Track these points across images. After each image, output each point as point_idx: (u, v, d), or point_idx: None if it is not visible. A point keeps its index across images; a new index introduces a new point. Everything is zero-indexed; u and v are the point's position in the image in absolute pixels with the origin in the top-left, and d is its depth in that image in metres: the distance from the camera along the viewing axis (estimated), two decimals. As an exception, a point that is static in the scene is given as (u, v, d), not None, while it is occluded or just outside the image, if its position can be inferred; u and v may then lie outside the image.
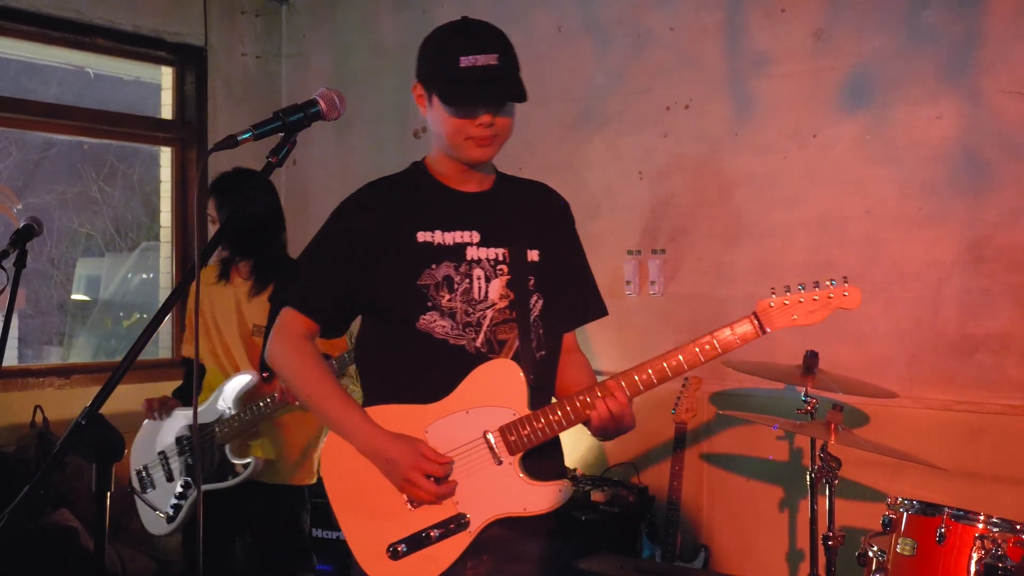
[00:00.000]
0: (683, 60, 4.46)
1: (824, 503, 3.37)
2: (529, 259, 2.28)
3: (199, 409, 3.57)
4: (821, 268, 4.01)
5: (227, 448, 3.48)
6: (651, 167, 4.56)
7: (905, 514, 2.93)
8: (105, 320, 6.44)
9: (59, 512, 4.37)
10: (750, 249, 4.25)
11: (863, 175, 3.97)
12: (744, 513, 4.26)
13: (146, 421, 3.68)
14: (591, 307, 2.46)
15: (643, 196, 4.58)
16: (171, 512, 3.55)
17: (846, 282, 2.18)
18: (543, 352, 2.27)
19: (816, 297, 2.17)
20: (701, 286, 4.39)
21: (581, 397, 2.17)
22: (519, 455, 2.17)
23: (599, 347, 4.42)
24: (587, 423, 2.20)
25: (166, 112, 5.80)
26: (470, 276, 2.22)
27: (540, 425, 2.16)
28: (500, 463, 2.17)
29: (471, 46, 2.14)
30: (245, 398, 3.49)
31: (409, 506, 2.17)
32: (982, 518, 2.77)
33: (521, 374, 2.18)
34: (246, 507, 3.56)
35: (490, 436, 2.17)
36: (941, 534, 2.78)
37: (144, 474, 3.65)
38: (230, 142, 1.82)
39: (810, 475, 3.42)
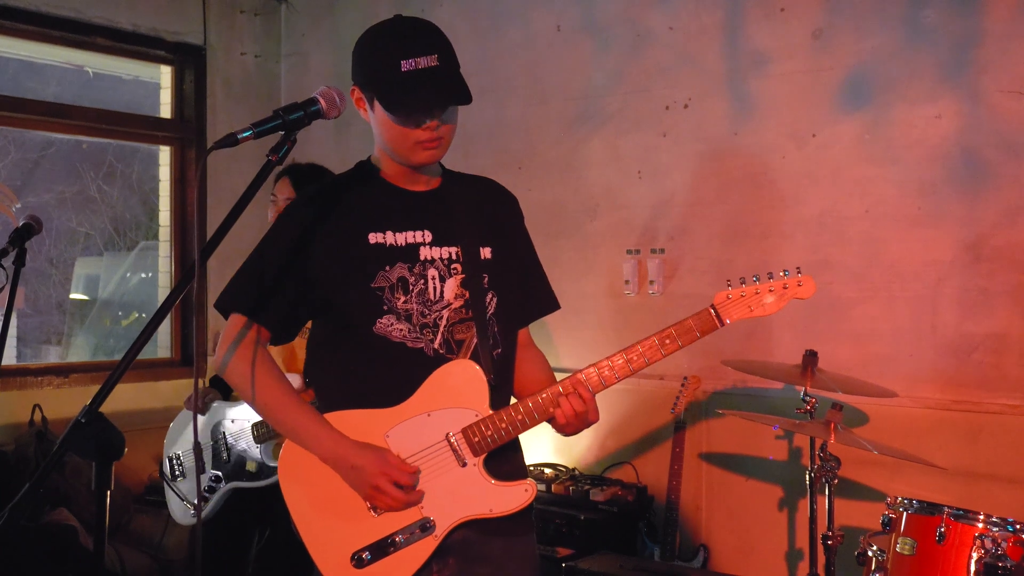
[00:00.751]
0: (682, 59, 4.46)
1: (823, 502, 3.38)
2: (482, 257, 2.26)
3: (241, 407, 3.56)
4: (820, 267, 4.02)
5: (261, 448, 3.47)
6: (650, 166, 4.56)
7: (905, 513, 2.93)
8: (104, 319, 6.43)
9: (58, 511, 4.37)
10: (749, 248, 4.25)
11: (862, 175, 3.97)
12: (743, 512, 4.26)
13: (184, 409, 3.68)
14: (543, 302, 2.44)
15: (642, 195, 4.58)
16: (197, 504, 3.55)
17: (799, 272, 2.23)
18: (499, 350, 2.25)
19: (771, 288, 2.22)
20: (700, 285, 4.39)
21: (544, 395, 2.16)
22: (483, 456, 2.15)
23: (597, 346, 4.42)
24: (551, 420, 2.19)
25: (165, 111, 5.79)
26: (425, 276, 2.19)
27: (504, 425, 2.15)
28: (464, 465, 2.15)
29: (410, 48, 2.07)
30: None
31: (372, 513, 2.14)
32: (982, 517, 2.77)
33: (481, 374, 2.16)
34: (272, 508, 3.55)
35: (453, 438, 2.15)
36: (941, 533, 2.78)
37: (176, 462, 3.65)
38: (230, 140, 1.82)
39: (809, 474, 3.42)
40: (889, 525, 2.97)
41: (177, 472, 3.65)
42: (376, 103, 2.13)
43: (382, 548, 2.13)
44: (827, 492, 3.36)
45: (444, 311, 2.19)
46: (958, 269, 3.75)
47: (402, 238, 2.20)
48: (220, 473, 3.53)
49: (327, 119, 2.01)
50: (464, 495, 2.14)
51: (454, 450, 2.15)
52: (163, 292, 5.90)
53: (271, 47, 6.08)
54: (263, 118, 1.90)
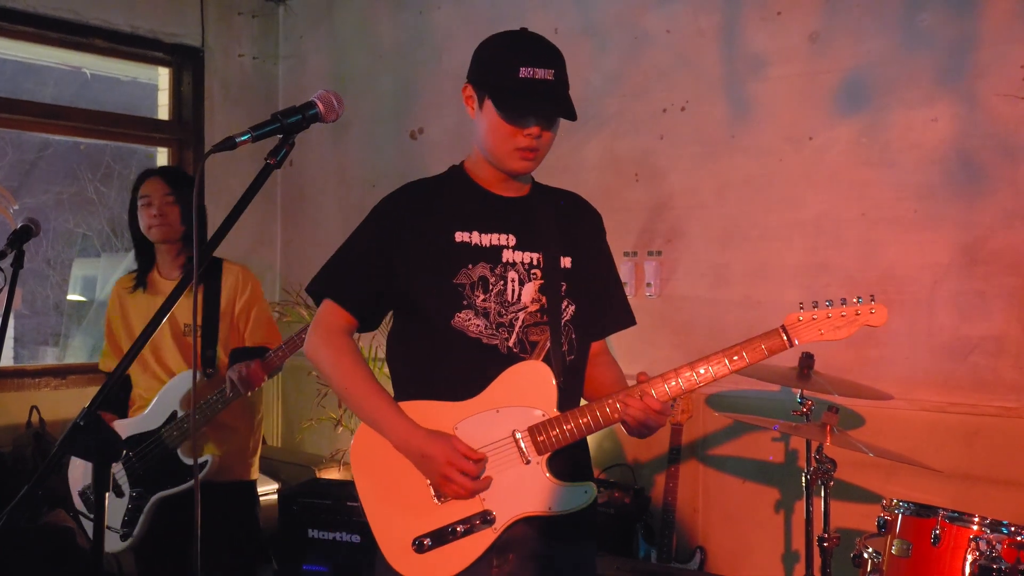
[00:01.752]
0: (680, 62, 4.47)
1: (819, 504, 3.39)
2: (562, 265, 2.31)
3: (138, 419, 3.49)
4: (817, 270, 4.03)
5: (179, 451, 3.41)
6: (648, 169, 4.57)
7: (900, 515, 2.94)
8: (101, 321, 6.43)
9: (55, 512, 4.37)
10: (746, 251, 4.26)
11: (859, 178, 3.98)
12: (740, 514, 4.27)
13: None
14: (620, 317, 2.49)
15: (640, 198, 4.59)
16: (125, 529, 3.47)
17: (873, 300, 2.24)
18: (572, 357, 2.30)
19: (844, 313, 2.24)
20: (697, 288, 4.40)
21: (611, 401, 2.20)
22: (547, 455, 2.20)
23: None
24: (624, 423, 2.23)
25: (163, 113, 5.80)
26: (505, 278, 2.25)
27: (569, 427, 2.19)
28: (528, 462, 2.20)
29: (531, 59, 2.18)
30: (190, 398, 3.43)
31: (436, 501, 2.20)
32: (977, 520, 2.78)
33: (552, 376, 2.21)
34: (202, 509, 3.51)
35: (519, 435, 2.20)
36: (936, 535, 2.79)
37: (88, 494, 3.54)
38: (228, 144, 1.83)
39: (806, 476, 3.43)
40: (885, 527, 2.98)
41: (92, 503, 3.58)
42: (487, 102, 2.21)
43: (442, 536, 2.18)
44: (823, 494, 3.37)
45: (520, 313, 2.25)
46: (954, 272, 3.76)
47: (487, 239, 2.27)
48: (141, 489, 3.46)
49: (325, 122, 2.01)
50: (525, 492, 2.19)
51: (519, 447, 2.20)
52: (160, 293, 5.89)
53: (269, 49, 6.09)
54: (261, 122, 1.90)
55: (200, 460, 3.42)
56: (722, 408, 4.20)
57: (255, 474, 3.71)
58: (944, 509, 2.85)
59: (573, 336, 2.30)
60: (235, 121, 5.71)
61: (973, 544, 2.73)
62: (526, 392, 2.21)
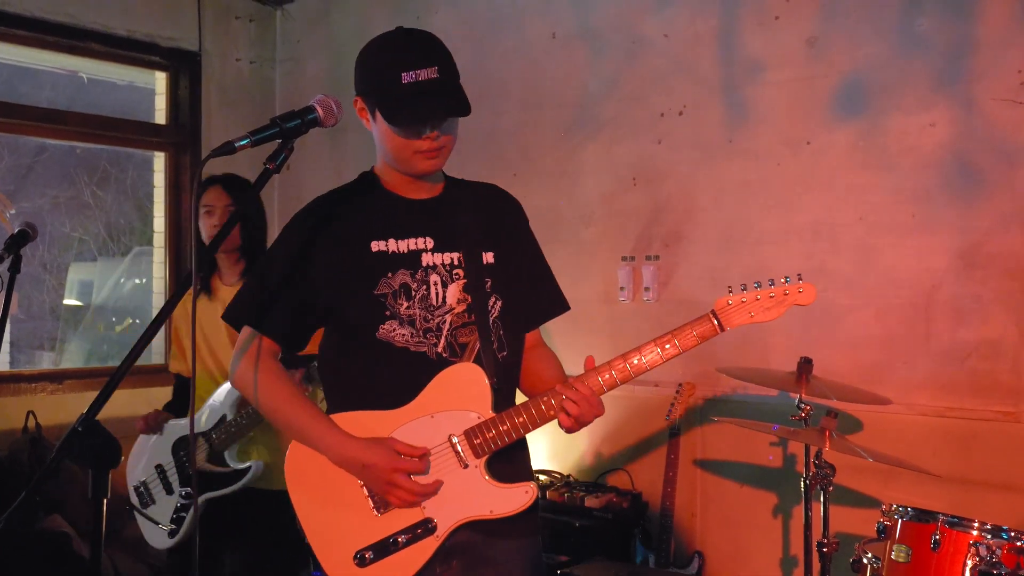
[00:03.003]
0: (677, 67, 4.47)
1: (818, 509, 3.38)
2: (484, 261, 2.28)
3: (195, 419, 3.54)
4: (814, 274, 4.02)
5: (227, 455, 3.45)
6: (645, 173, 4.57)
7: (900, 521, 2.94)
8: (98, 325, 6.41)
9: (51, 517, 4.36)
10: (744, 255, 4.26)
11: (856, 182, 3.98)
12: (738, 519, 4.27)
13: (140, 437, 3.64)
14: (552, 303, 2.46)
15: (637, 202, 4.59)
16: (173, 525, 3.51)
17: (800, 279, 2.22)
18: (504, 353, 2.28)
19: (772, 294, 2.21)
20: (695, 292, 4.40)
21: (545, 399, 2.18)
22: (484, 458, 2.18)
23: (591, 352, 4.41)
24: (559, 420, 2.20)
25: (160, 117, 5.79)
26: (427, 282, 2.22)
27: (505, 428, 2.17)
28: (466, 466, 2.17)
29: (411, 60, 2.12)
30: (241, 402, 3.45)
31: (375, 512, 2.17)
32: (976, 525, 2.78)
33: (484, 377, 2.19)
34: (241, 515, 3.53)
35: (455, 440, 2.18)
36: (935, 541, 2.79)
37: (143, 490, 3.61)
38: (227, 148, 1.83)
39: (804, 481, 3.42)
40: (884, 532, 2.97)
41: (147, 499, 3.60)
42: (378, 114, 2.17)
43: (384, 547, 2.16)
44: (822, 499, 3.36)
45: (447, 316, 2.22)
46: (952, 276, 3.76)
47: (404, 245, 2.24)
48: (190, 489, 3.50)
49: (324, 127, 2.02)
50: (465, 496, 2.17)
51: (456, 452, 2.17)
52: (157, 298, 5.89)
53: (266, 53, 6.08)
54: (260, 126, 1.90)
55: (246, 464, 3.44)
56: (720, 413, 4.19)
57: None
58: (944, 514, 2.84)
59: (503, 332, 2.28)
60: (232, 125, 5.70)
61: (973, 549, 2.73)
62: (460, 395, 2.19)
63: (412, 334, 2.19)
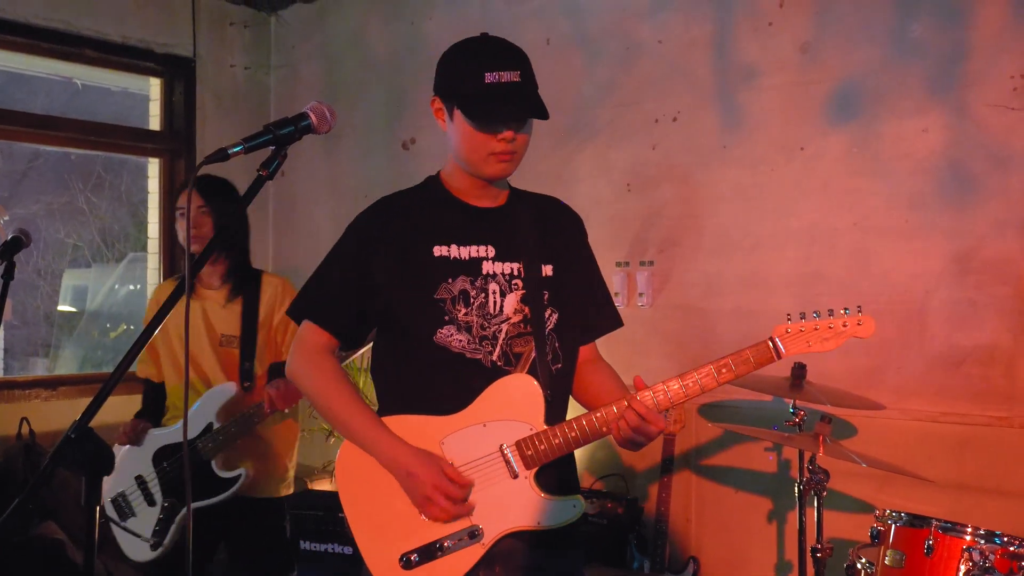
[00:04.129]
0: (672, 72, 4.48)
1: (812, 515, 3.38)
2: (544, 274, 2.30)
3: (175, 428, 3.51)
4: (810, 280, 4.04)
5: (214, 464, 3.41)
6: (640, 179, 4.58)
7: (893, 526, 2.94)
8: (92, 331, 6.41)
9: (45, 524, 4.35)
10: (739, 261, 4.27)
11: (851, 187, 3.99)
12: (733, 525, 4.27)
13: (116, 446, 3.55)
14: (606, 319, 2.48)
15: (632, 208, 4.59)
16: (156, 538, 3.44)
17: (860, 311, 2.24)
18: (559, 365, 2.29)
19: (831, 325, 2.23)
20: (690, 298, 4.41)
21: (599, 415, 2.19)
22: (535, 469, 2.19)
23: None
24: (614, 436, 2.21)
25: (154, 123, 5.79)
26: (486, 290, 2.24)
27: (557, 441, 2.18)
28: (516, 477, 2.19)
29: (495, 63, 2.17)
30: (227, 410, 3.42)
31: (423, 516, 2.19)
32: (969, 530, 2.78)
33: (538, 388, 2.20)
34: (226, 523, 3.48)
35: (507, 450, 2.19)
36: (929, 546, 2.79)
37: (121, 501, 3.53)
38: (221, 155, 1.82)
39: (799, 487, 3.43)
40: (878, 537, 2.98)
41: (126, 511, 3.52)
42: (456, 112, 2.20)
43: (430, 552, 2.17)
44: (816, 504, 3.37)
45: (503, 325, 2.24)
46: (946, 281, 3.77)
47: (466, 252, 2.25)
48: (173, 499, 3.43)
49: (318, 134, 2.01)
50: (513, 506, 2.18)
51: (507, 462, 2.19)
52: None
53: (261, 59, 6.09)
54: (254, 133, 1.90)
55: (234, 473, 3.41)
56: (715, 419, 4.20)
57: (287, 490, 3.67)
58: (937, 519, 2.85)
59: (558, 345, 2.29)
60: (227, 131, 5.70)
61: (966, 554, 2.73)
62: (513, 406, 2.20)
63: (468, 340, 2.21)
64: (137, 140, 5.72)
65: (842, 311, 2.24)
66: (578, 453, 4.72)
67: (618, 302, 4.57)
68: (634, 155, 4.60)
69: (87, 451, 1.74)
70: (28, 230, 2.98)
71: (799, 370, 3.44)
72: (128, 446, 3.53)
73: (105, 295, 6.49)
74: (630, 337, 4.63)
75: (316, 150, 5.69)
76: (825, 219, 4.05)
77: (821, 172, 4.06)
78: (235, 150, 1.83)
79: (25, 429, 4.77)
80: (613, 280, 4.59)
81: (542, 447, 2.18)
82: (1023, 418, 3.59)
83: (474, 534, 2.17)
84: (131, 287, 6.42)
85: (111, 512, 3.54)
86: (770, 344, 2.20)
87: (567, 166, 4.79)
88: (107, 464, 1.78)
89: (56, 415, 4.89)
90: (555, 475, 2.23)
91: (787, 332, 2.21)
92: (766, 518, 4.17)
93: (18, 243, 2.89)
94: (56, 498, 4.50)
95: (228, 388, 3.46)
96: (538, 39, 4.88)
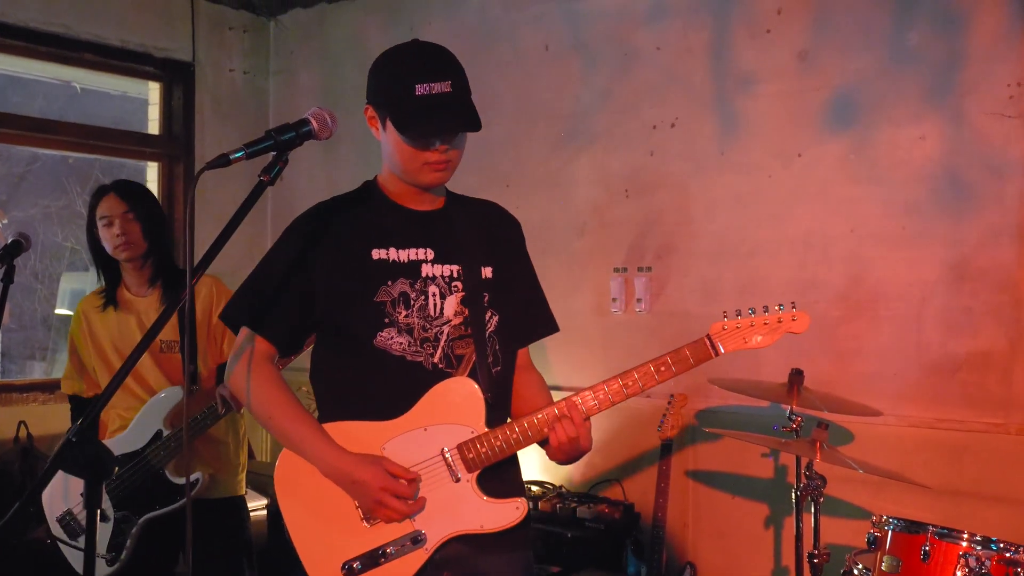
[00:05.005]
0: (669, 79, 4.49)
1: (809, 520, 3.39)
2: (483, 276, 2.30)
3: (119, 438, 3.41)
4: (806, 286, 4.05)
5: (166, 471, 3.35)
6: (637, 185, 4.59)
7: (890, 532, 2.94)
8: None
9: (43, 527, 4.34)
10: (736, 267, 4.28)
11: (847, 194, 4.00)
12: (730, 530, 4.27)
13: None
14: (543, 324, 2.48)
15: (629, 214, 4.61)
16: (112, 553, 3.36)
17: (794, 307, 2.28)
18: (499, 368, 2.29)
19: (766, 321, 2.27)
20: (687, 303, 4.41)
21: (540, 416, 2.20)
22: (476, 472, 2.19)
23: (583, 364, 4.44)
24: (543, 444, 2.22)
25: (153, 127, 5.79)
26: (425, 293, 2.23)
27: (498, 443, 2.18)
28: (458, 480, 2.18)
29: (425, 73, 2.14)
30: (176, 415, 3.37)
31: (365, 523, 2.18)
32: (966, 536, 2.79)
33: (479, 391, 2.20)
34: (183, 529, 3.37)
35: (448, 453, 2.18)
36: (925, 552, 2.80)
37: (69, 520, 3.42)
38: (222, 160, 1.84)
39: (795, 493, 3.43)
40: (874, 543, 2.98)
41: (75, 529, 3.41)
42: (389, 124, 2.19)
43: (373, 559, 2.16)
44: (813, 510, 3.37)
45: (444, 327, 2.23)
46: (942, 289, 3.78)
47: (405, 255, 2.25)
48: (126, 511, 3.36)
49: (319, 140, 2.02)
50: (456, 510, 2.17)
51: (448, 465, 2.18)
52: (149, 308, 5.87)
53: (260, 64, 6.09)
54: (255, 139, 1.91)
55: (193, 476, 3.35)
56: (712, 424, 4.20)
57: (243, 489, 3.67)
58: (934, 525, 2.85)
59: (498, 347, 2.29)
60: (225, 136, 5.71)
61: (963, 560, 2.74)
62: (454, 409, 2.20)
63: (410, 343, 2.20)
64: (136, 144, 5.72)
65: (776, 307, 2.27)
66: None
67: (616, 307, 4.58)
68: (632, 161, 4.61)
69: (87, 454, 1.75)
70: (27, 234, 2.98)
71: (796, 376, 3.45)
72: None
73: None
74: (628, 343, 4.66)
75: (315, 155, 5.69)
76: (822, 226, 4.06)
77: (818, 179, 4.08)
78: (236, 155, 1.84)
79: (23, 432, 4.77)
80: (611, 285, 4.60)
81: (483, 450, 2.18)
82: (1019, 425, 3.61)
83: (417, 539, 2.16)
84: (129, 291, 6.40)
85: (58, 532, 3.43)
86: (707, 341, 2.24)
87: (565, 172, 4.80)
88: (107, 468, 1.78)
89: (53, 418, 4.88)
90: (498, 478, 2.23)
91: (724, 329, 2.25)
92: (763, 524, 4.17)
93: (18, 247, 2.89)
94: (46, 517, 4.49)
95: (173, 393, 3.41)
96: (536, 45, 4.89)
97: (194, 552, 3.48)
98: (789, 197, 4.15)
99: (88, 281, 6.50)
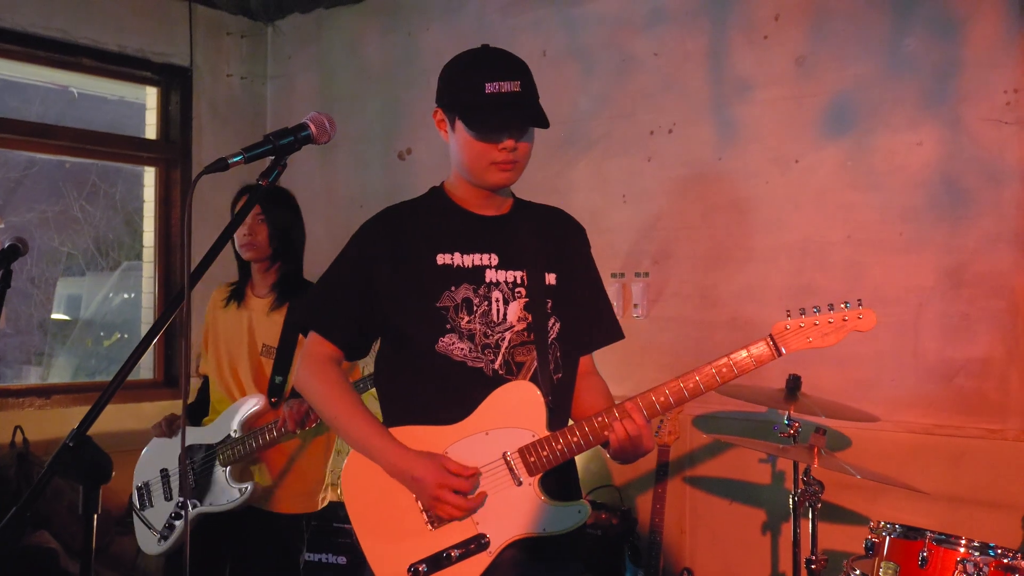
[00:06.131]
0: (667, 85, 4.50)
1: (807, 526, 3.39)
2: (547, 282, 2.31)
3: (203, 429, 3.50)
4: (803, 292, 4.05)
5: (227, 472, 3.40)
6: (635, 191, 4.59)
7: (888, 538, 2.95)
8: (86, 340, 6.39)
9: (38, 534, 4.33)
10: (733, 273, 4.28)
11: (845, 200, 4.00)
12: (727, 536, 4.27)
13: (154, 438, 3.59)
14: (607, 331, 2.48)
15: (627, 219, 4.61)
16: (165, 533, 3.47)
17: (860, 305, 2.22)
18: (560, 375, 2.30)
19: (831, 320, 2.21)
20: (684, 309, 4.41)
21: (600, 418, 2.19)
22: (538, 476, 2.19)
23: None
24: (606, 445, 2.22)
25: (150, 132, 5.79)
26: (489, 298, 2.25)
27: (559, 446, 2.18)
28: (520, 484, 2.19)
29: (495, 73, 2.18)
30: (250, 422, 3.41)
31: (429, 526, 2.19)
32: (964, 542, 2.79)
33: (540, 395, 2.21)
34: (240, 532, 3.46)
35: (510, 457, 2.19)
36: (923, 558, 2.80)
37: (144, 491, 3.58)
38: (221, 165, 1.83)
39: (793, 498, 3.43)
40: (872, 549, 2.99)
41: (146, 501, 3.56)
42: (458, 123, 2.21)
43: (438, 561, 2.17)
44: (811, 516, 3.37)
45: (506, 333, 2.24)
46: (939, 295, 3.79)
47: (469, 260, 2.26)
48: (186, 499, 3.45)
49: (317, 144, 2.02)
50: (518, 513, 2.18)
51: (510, 469, 2.19)
52: (146, 312, 5.88)
53: (257, 69, 6.10)
54: (254, 143, 1.90)
55: (242, 485, 3.39)
56: (709, 430, 4.20)
57: (309, 507, 3.60)
58: (931, 531, 2.86)
59: (559, 354, 2.30)
60: (223, 141, 5.71)
61: (960, 566, 2.74)
62: (515, 413, 2.20)
63: (471, 349, 2.21)
64: (133, 149, 5.71)
65: (842, 305, 2.22)
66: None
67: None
68: (629, 167, 4.61)
69: (85, 460, 1.74)
70: (24, 238, 2.97)
71: (794, 381, 3.45)
72: (162, 438, 3.55)
73: (99, 304, 6.48)
74: (625, 348, 4.62)
75: (312, 160, 5.69)
76: (819, 232, 4.06)
77: (815, 185, 4.08)
78: (235, 160, 1.84)
79: (19, 437, 4.76)
80: (608, 291, 4.58)
81: (545, 453, 2.18)
82: (1016, 431, 3.61)
83: (481, 543, 2.17)
84: (125, 296, 6.40)
85: (135, 499, 3.60)
86: (770, 341, 2.19)
87: (563, 177, 4.80)
88: (105, 473, 1.77)
89: (49, 423, 4.87)
90: (558, 481, 2.24)
91: (786, 329, 2.20)
92: (760, 529, 4.17)
93: (15, 251, 2.88)
94: (49, 507, 4.49)
95: (254, 400, 3.44)
96: (534, 51, 4.90)
97: (246, 561, 3.51)
98: (786, 203, 4.15)
99: (84, 286, 6.49)
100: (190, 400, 3.74)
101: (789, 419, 3.43)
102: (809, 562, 3.37)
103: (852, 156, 3.99)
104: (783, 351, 2.19)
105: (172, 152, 5.73)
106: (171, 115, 5.75)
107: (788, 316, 2.21)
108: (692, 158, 4.42)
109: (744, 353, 2.19)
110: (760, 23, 4.23)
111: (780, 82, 4.17)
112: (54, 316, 6.46)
